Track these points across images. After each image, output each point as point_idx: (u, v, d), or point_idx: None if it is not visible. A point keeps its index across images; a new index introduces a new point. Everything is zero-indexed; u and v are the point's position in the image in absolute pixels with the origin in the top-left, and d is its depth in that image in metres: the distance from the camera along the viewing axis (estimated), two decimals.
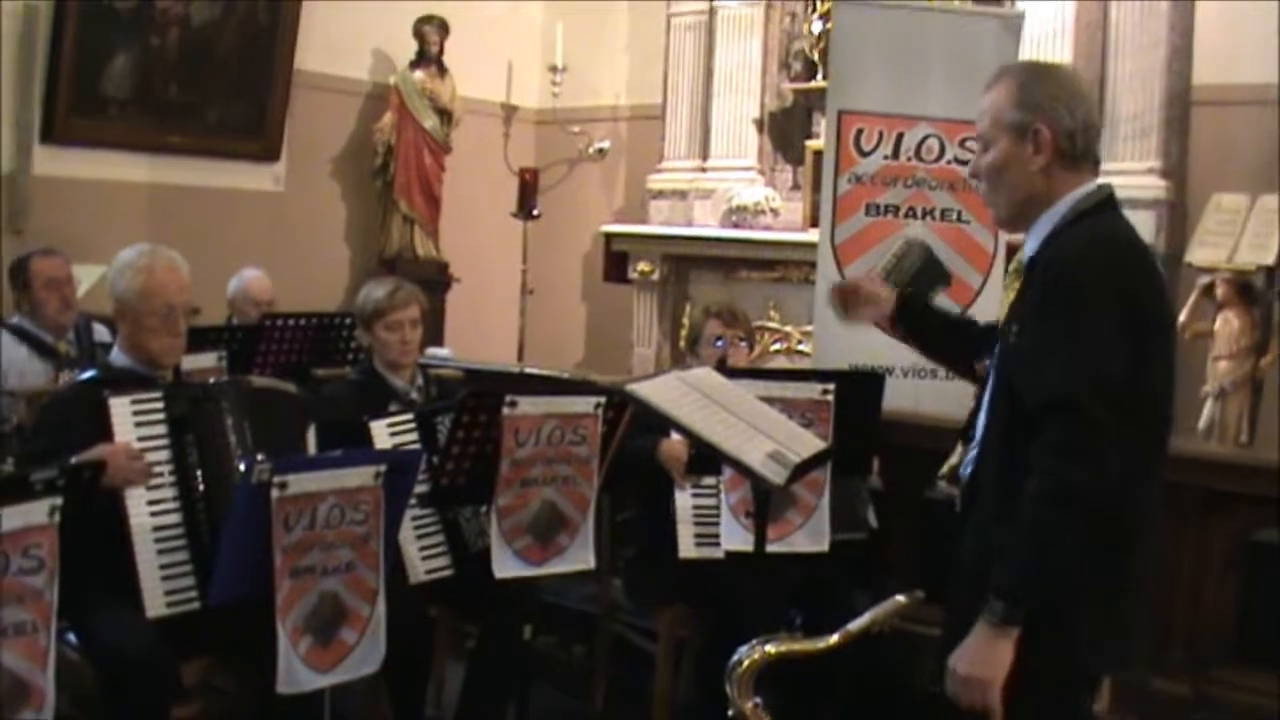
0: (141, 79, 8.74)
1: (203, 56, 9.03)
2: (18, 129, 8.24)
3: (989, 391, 3.12)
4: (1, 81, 8.16)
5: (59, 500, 3.11)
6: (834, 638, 2.69)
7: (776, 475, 3.35)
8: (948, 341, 3.65)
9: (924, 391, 5.74)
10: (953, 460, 3.28)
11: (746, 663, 2.68)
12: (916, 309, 3.67)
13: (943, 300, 5.47)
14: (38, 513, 3.08)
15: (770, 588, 4.53)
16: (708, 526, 4.83)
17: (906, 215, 6.07)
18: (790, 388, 4.68)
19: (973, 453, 3.14)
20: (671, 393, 3.58)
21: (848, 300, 3.70)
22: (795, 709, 4.09)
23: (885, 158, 6.10)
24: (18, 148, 8.25)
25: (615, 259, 10.00)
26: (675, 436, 4.78)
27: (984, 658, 2.82)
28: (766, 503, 3.56)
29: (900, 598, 2.74)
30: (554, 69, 10.76)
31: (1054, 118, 3.01)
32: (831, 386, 4.73)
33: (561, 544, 4.41)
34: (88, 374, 4.40)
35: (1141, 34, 7.85)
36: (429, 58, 10.19)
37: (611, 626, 5.58)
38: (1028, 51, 7.15)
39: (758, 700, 2.69)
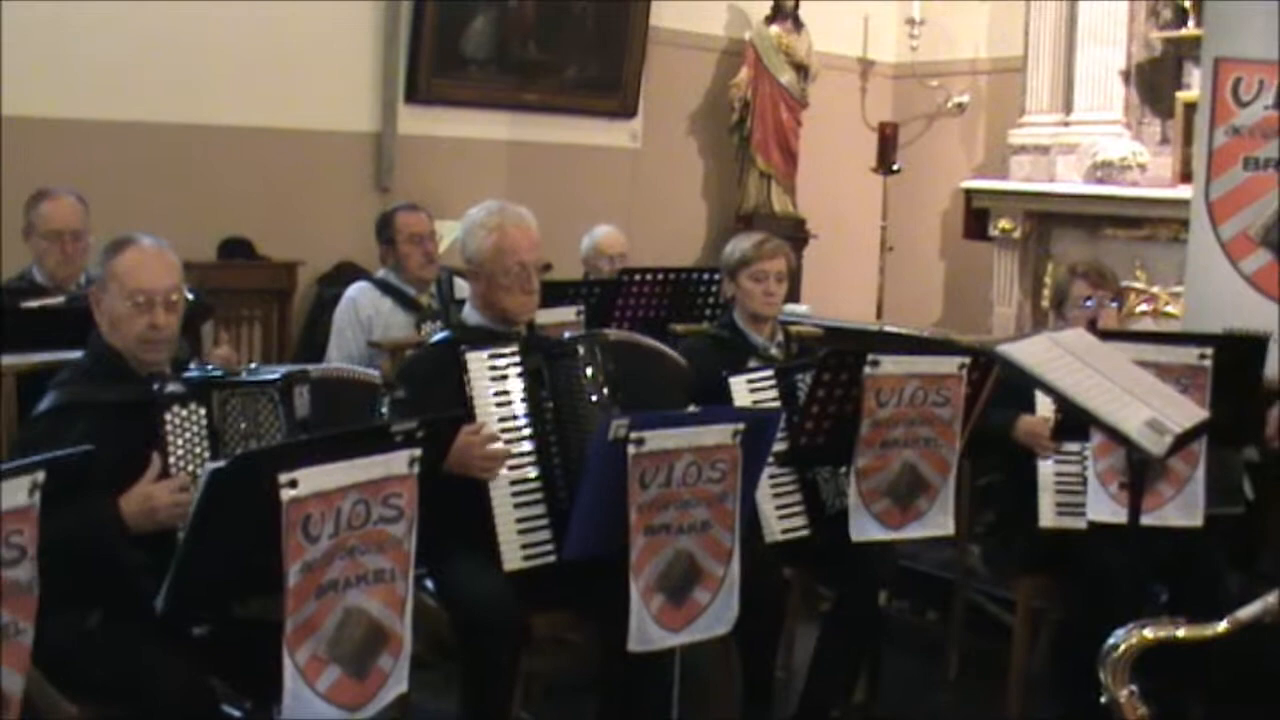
0: (500, 39, 8.90)
1: (560, 15, 9.15)
2: (384, 90, 8.49)
3: None
4: (368, 46, 8.42)
5: (418, 452, 3.14)
6: (1222, 625, 2.49)
7: (1156, 445, 3.19)
8: None
9: None
10: None
11: (1123, 647, 2.51)
12: None
13: None
14: (398, 463, 3.11)
15: (1136, 562, 4.32)
16: (1070, 495, 4.64)
17: None
18: (1165, 351, 4.43)
19: None
20: (1043, 354, 3.44)
21: None
22: (1166, 698, 3.89)
23: (1266, 108, 5.76)
24: (384, 108, 8.50)
25: (975, 216, 9.74)
26: (1040, 411, 4.61)
27: None
28: (1142, 473, 3.39)
29: None
30: (911, 22, 10.59)
31: None
32: (1210, 351, 4.47)
33: (921, 508, 4.31)
34: (441, 335, 4.44)
35: None
36: (785, 12, 10.10)
37: (967, 594, 5.43)
38: None
39: (1133, 688, 2.53)
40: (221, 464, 2.94)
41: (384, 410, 3.88)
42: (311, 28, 8.02)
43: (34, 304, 4.93)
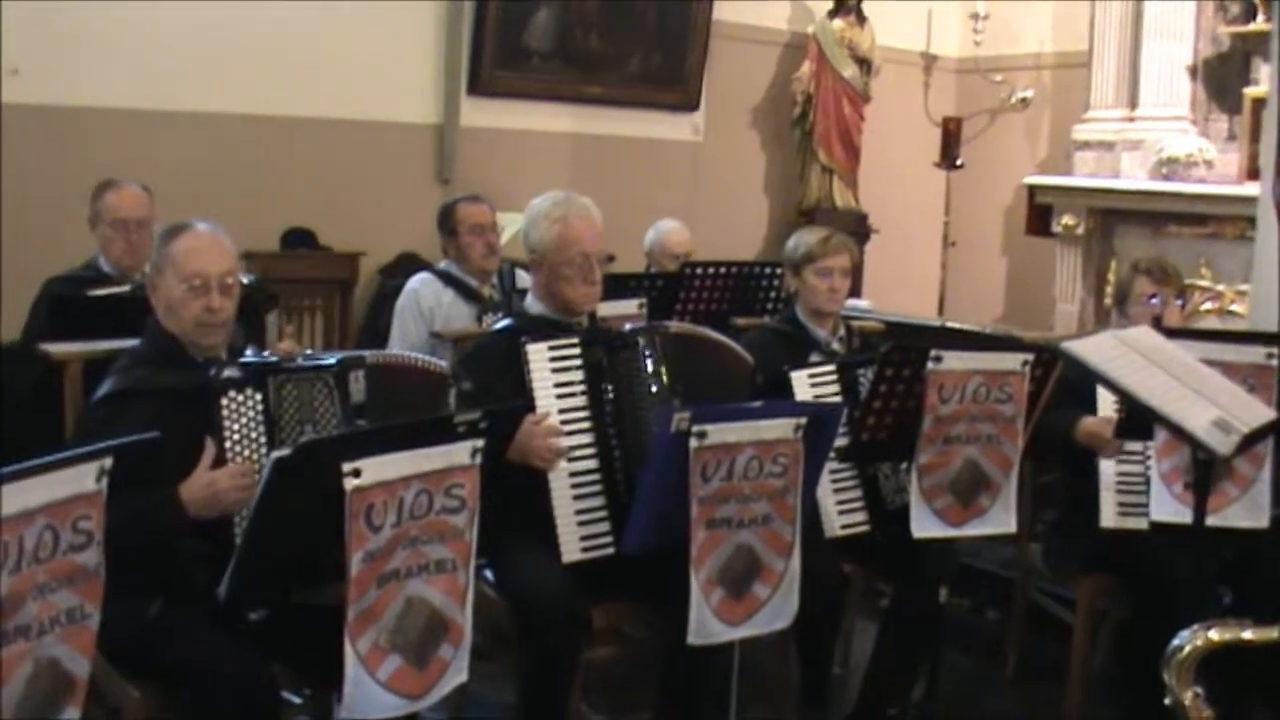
0: (563, 31, 8.94)
1: (622, 8, 9.18)
2: (446, 82, 8.55)
3: None
4: (431, 38, 8.47)
5: (480, 443, 3.14)
6: None
7: (1223, 445, 3.15)
8: None
9: None
10: None
11: (1188, 649, 2.48)
12: None
13: None
14: (460, 454, 3.11)
15: (1200, 563, 4.28)
16: (1133, 495, 4.59)
17: None
18: (1231, 350, 4.37)
19: None
20: (1108, 351, 3.41)
21: None
22: (1229, 700, 3.85)
23: None
24: (446, 100, 8.56)
25: (1038, 212, 9.70)
26: (1101, 412, 4.57)
27: None
28: (1208, 473, 3.35)
29: None
30: (975, 16, 10.54)
31: None
32: (1277, 350, 4.41)
33: (982, 505, 4.27)
34: (503, 323, 4.44)
35: None
36: (848, 6, 10.09)
37: (1028, 593, 5.38)
38: None
39: (1198, 690, 2.50)
40: (286, 453, 2.95)
41: (451, 402, 3.88)
42: (375, 19, 8.07)
43: (100, 292, 4.97)
